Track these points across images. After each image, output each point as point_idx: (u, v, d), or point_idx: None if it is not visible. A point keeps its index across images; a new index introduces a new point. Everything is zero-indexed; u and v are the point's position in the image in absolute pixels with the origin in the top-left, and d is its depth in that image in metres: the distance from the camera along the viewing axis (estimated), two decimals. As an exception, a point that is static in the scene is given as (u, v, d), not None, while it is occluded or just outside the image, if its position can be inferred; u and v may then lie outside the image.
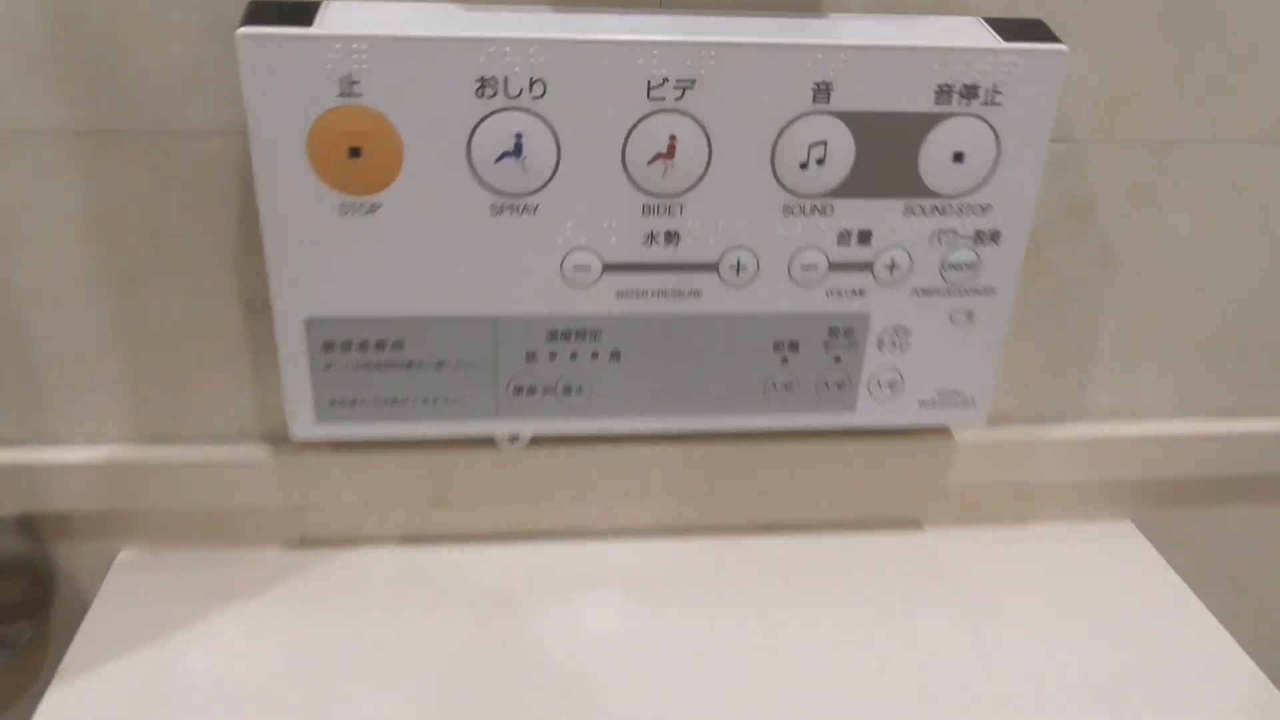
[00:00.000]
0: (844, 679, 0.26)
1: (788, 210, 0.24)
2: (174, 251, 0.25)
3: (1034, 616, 0.29)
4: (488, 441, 0.28)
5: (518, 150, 0.23)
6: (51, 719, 0.24)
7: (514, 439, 0.28)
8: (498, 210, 0.24)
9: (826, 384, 0.27)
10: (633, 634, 0.28)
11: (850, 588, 0.29)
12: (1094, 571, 0.31)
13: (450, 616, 0.28)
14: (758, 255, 0.25)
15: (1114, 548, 0.32)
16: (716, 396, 0.27)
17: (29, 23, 0.23)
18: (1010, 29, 0.24)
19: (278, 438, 0.28)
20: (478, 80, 0.22)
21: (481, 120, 0.22)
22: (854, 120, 0.23)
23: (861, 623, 0.28)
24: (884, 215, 0.25)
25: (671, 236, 0.24)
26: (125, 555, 0.29)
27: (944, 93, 0.23)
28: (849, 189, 0.24)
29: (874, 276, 0.26)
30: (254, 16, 0.22)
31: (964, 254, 0.25)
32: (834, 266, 0.25)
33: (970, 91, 0.23)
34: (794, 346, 0.26)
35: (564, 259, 0.24)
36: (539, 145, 0.23)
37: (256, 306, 0.26)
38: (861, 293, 0.26)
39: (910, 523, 0.32)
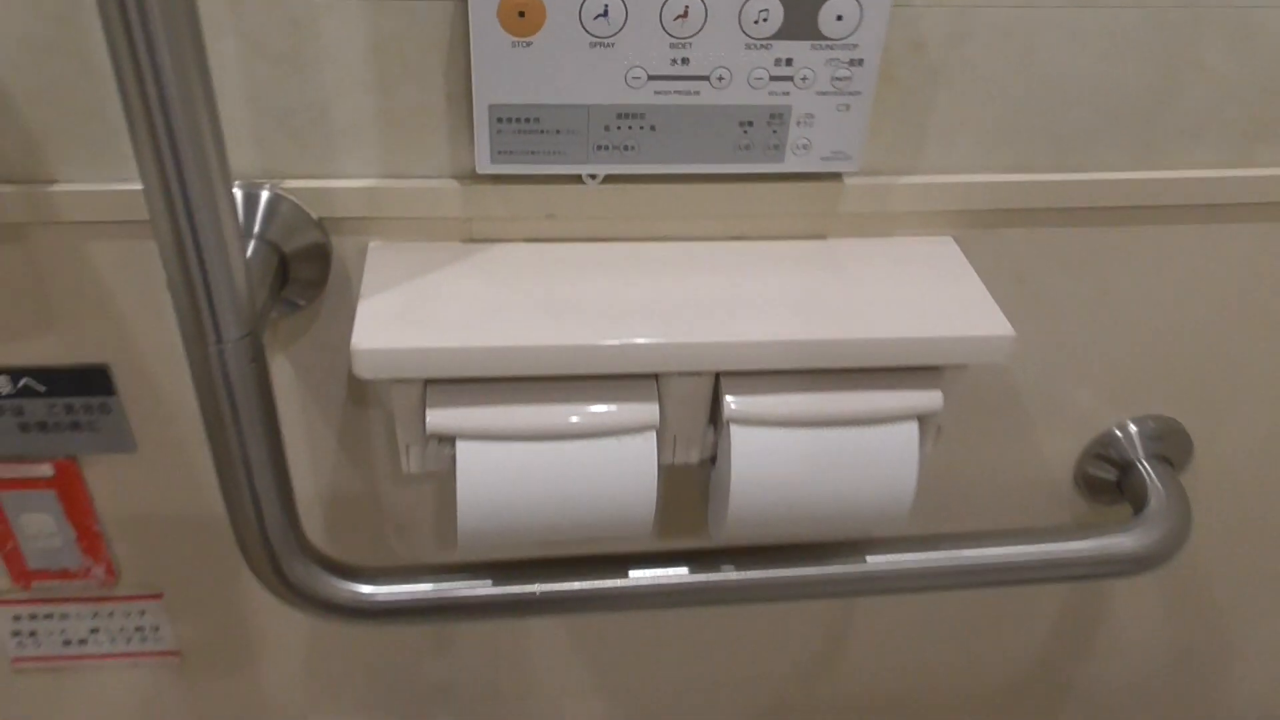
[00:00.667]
0: (765, 294, 0.49)
1: (748, 46, 0.45)
2: (416, 68, 0.46)
3: (879, 276, 0.51)
4: (578, 178, 0.50)
5: (605, 12, 0.44)
6: (367, 313, 0.47)
7: (594, 177, 0.50)
8: (593, 45, 0.45)
9: (767, 146, 0.48)
10: (645, 283, 0.50)
11: (782, 256, 0.52)
12: (923, 260, 0.53)
13: (559, 275, 0.51)
14: (731, 71, 0.46)
15: (938, 249, 0.54)
16: (708, 152, 0.48)
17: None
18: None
19: (463, 176, 0.50)
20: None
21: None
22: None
23: (783, 266, 0.51)
24: (799, 50, 0.46)
25: (685, 61, 0.45)
26: (374, 244, 0.52)
27: (831, -17, 0.44)
28: (780, 35, 0.45)
29: (794, 84, 0.47)
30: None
31: (843, 71, 0.46)
32: (773, 78, 0.46)
33: (845, -18, 0.44)
34: (750, 124, 0.48)
35: (626, 72, 0.45)
36: (615, 9, 0.44)
37: (458, 98, 0.47)
38: (788, 94, 0.47)
39: (818, 235, 0.54)
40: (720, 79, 0.46)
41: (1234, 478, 0.69)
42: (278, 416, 0.46)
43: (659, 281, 0.50)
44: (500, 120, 0.46)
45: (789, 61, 0.46)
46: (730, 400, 0.49)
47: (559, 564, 0.57)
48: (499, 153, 0.47)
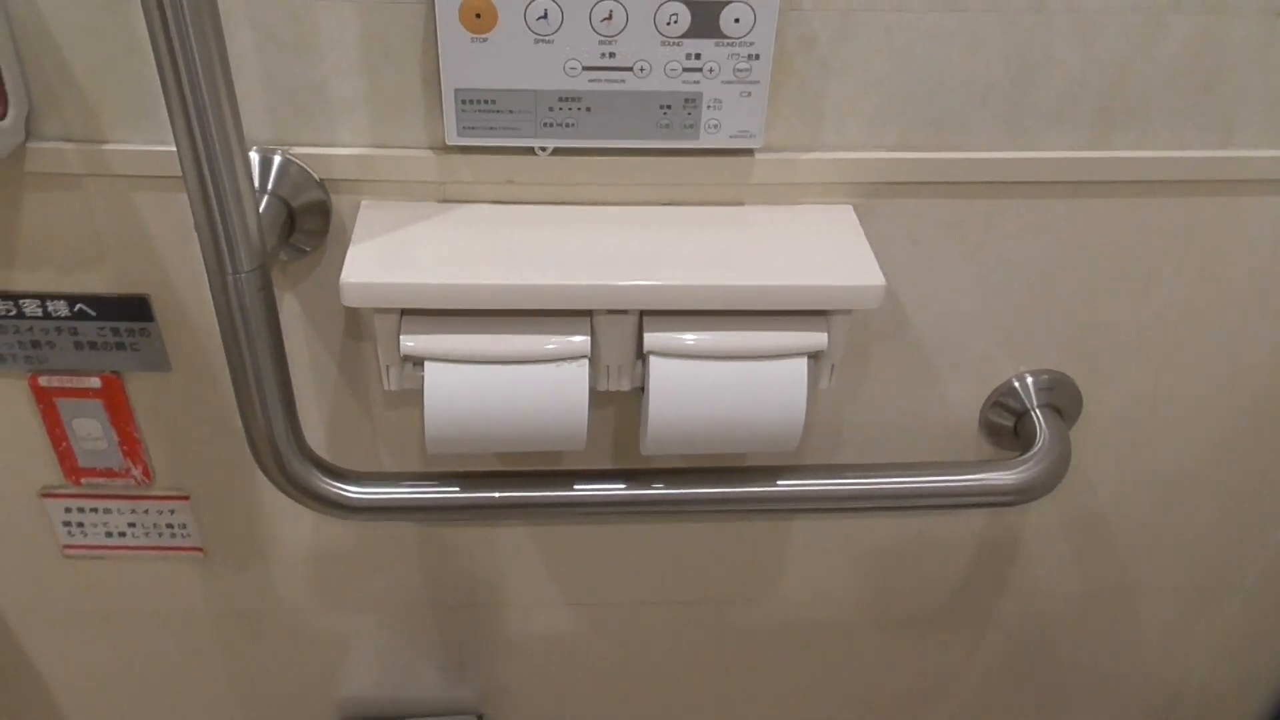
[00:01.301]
0: (684, 249, 0.60)
1: (663, 43, 0.55)
2: (397, 56, 0.57)
3: (781, 236, 0.61)
4: (531, 150, 0.61)
5: (545, 15, 0.54)
6: (356, 255, 0.58)
7: (544, 149, 0.61)
8: (536, 41, 0.55)
9: (684, 125, 0.59)
10: (586, 238, 0.61)
11: (703, 219, 0.62)
12: (822, 224, 0.63)
13: (516, 230, 0.61)
14: (650, 64, 0.56)
15: (836, 216, 0.64)
16: (635, 129, 0.59)
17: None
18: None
19: (437, 147, 0.61)
20: (529, -15, 0.53)
21: (531, 2, 0.54)
22: (689, 4, 0.54)
23: (702, 227, 0.61)
24: (706, 47, 0.56)
25: (612, 55, 0.56)
26: (366, 202, 0.63)
27: (729, -8, 0.54)
28: (689, 34, 0.55)
29: (704, 75, 0.57)
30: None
31: (743, 64, 0.56)
32: (685, 70, 0.56)
33: (741, -8, 0.54)
34: (669, 107, 0.58)
35: (564, 63, 0.56)
36: (554, 13, 0.54)
37: (431, 82, 0.58)
38: (698, 83, 0.57)
39: (735, 202, 0.64)
40: (642, 70, 0.56)
41: (1120, 427, 0.78)
42: (282, 337, 0.58)
43: (597, 237, 0.61)
44: (464, 102, 0.57)
45: (698, 56, 0.56)
46: (649, 336, 0.60)
47: (516, 475, 0.68)
48: (464, 128, 0.58)
